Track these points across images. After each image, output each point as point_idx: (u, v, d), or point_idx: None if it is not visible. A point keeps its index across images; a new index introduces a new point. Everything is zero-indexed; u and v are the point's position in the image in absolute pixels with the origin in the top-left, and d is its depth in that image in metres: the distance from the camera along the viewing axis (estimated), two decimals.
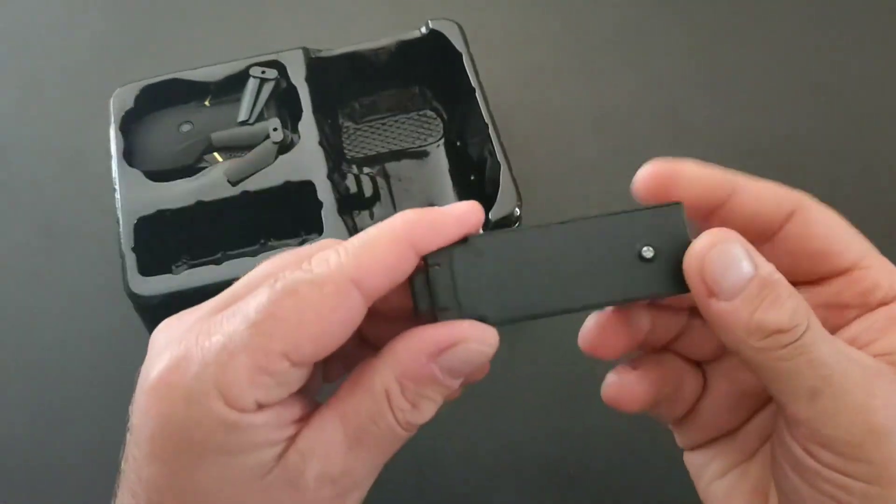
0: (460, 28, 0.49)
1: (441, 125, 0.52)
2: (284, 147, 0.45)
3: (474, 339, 0.24)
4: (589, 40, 0.58)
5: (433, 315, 0.24)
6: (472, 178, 0.49)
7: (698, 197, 0.26)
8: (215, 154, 0.46)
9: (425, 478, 0.42)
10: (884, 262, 0.26)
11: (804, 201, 0.26)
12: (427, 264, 0.24)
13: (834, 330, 0.26)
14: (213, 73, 0.48)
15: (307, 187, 0.44)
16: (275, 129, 0.45)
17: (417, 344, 0.24)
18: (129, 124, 0.46)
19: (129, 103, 0.46)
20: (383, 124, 0.52)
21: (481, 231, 0.25)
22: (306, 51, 0.48)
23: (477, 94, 0.46)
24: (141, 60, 0.57)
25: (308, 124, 0.46)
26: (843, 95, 0.55)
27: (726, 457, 0.28)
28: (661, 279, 0.24)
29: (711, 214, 0.26)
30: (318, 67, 0.48)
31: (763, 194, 0.26)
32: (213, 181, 0.44)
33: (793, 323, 0.23)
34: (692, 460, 0.29)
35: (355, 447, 0.23)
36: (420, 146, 0.52)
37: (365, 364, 0.24)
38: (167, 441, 0.23)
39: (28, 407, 0.45)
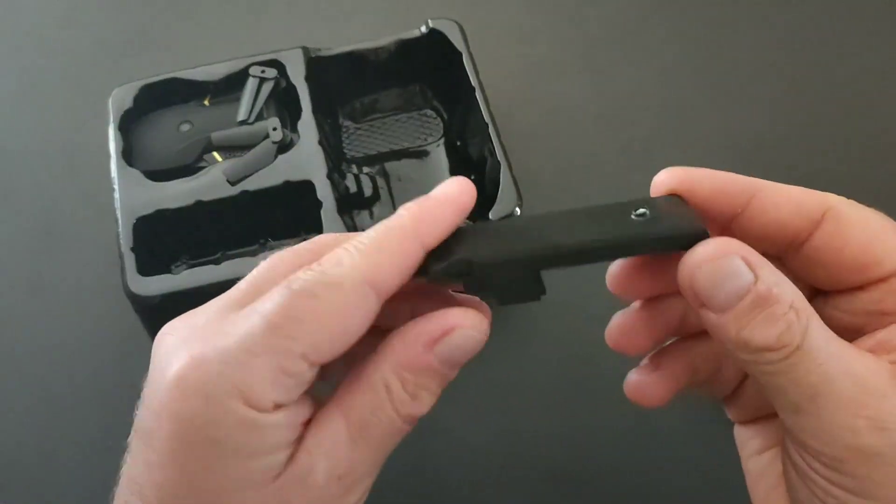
0: (460, 27, 0.49)
1: (441, 125, 0.52)
2: (284, 146, 0.45)
3: (467, 325, 0.24)
4: (589, 39, 0.58)
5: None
6: (473, 177, 0.49)
7: (715, 205, 0.25)
8: (215, 154, 0.46)
9: (425, 478, 0.42)
10: None
11: (834, 204, 0.25)
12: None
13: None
14: (212, 72, 0.47)
15: (307, 187, 0.44)
16: (274, 129, 0.45)
17: (413, 336, 0.24)
18: (128, 124, 0.46)
19: (128, 103, 0.46)
20: (383, 124, 0.52)
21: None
22: (306, 50, 0.48)
23: (477, 94, 0.46)
24: (140, 60, 0.57)
25: (308, 124, 0.46)
26: (845, 93, 0.55)
27: (767, 436, 0.28)
28: (659, 232, 0.24)
29: (730, 224, 0.25)
30: (317, 67, 0.48)
31: (785, 200, 0.25)
32: (212, 181, 0.44)
33: (780, 343, 0.22)
34: (738, 433, 0.29)
35: (358, 442, 0.24)
36: (420, 146, 0.51)
37: (364, 360, 0.24)
38: (186, 442, 0.22)
39: (27, 407, 0.45)
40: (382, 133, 0.52)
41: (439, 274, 0.24)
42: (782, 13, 0.59)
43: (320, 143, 0.45)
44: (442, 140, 0.51)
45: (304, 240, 0.41)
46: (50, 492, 0.42)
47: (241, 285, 0.25)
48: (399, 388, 0.24)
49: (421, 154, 0.51)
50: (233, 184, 0.44)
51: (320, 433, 0.24)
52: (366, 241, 0.24)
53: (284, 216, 0.45)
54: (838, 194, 0.53)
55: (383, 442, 0.24)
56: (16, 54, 0.59)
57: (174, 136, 0.46)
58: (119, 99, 0.46)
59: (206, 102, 0.48)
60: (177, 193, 0.43)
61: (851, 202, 0.25)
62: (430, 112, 0.52)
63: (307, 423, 0.24)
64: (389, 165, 0.51)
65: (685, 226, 0.24)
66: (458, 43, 0.48)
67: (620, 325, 0.28)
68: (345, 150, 0.51)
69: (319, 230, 0.42)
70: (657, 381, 0.28)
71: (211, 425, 0.22)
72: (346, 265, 0.23)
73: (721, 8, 0.59)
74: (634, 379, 0.28)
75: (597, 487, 0.42)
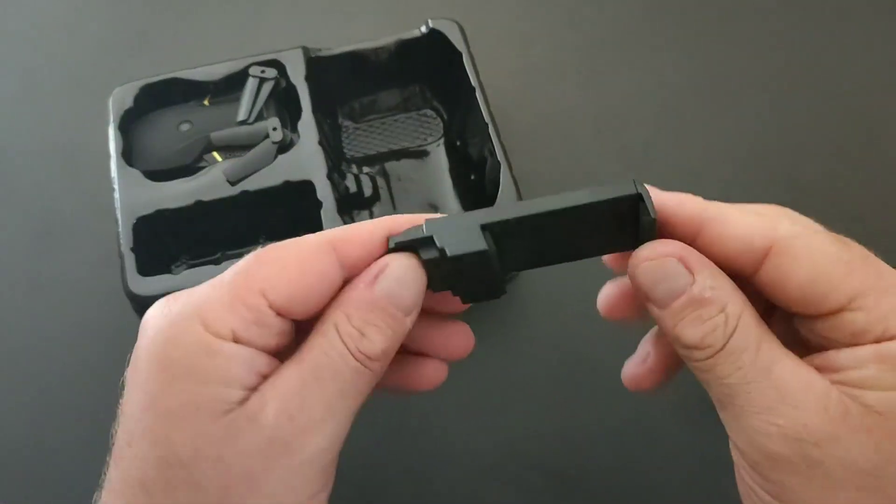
0: (460, 27, 0.49)
1: (441, 125, 0.52)
2: (284, 146, 0.45)
3: (399, 262, 0.26)
4: (588, 41, 0.58)
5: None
6: (472, 177, 0.49)
7: (674, 228, 0.27)
8: (214, 153, 0.46)
9: (425, 478, 0.42)
10: (881, 300, 0.24)
11: (781, 237, 0.25)
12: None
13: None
14: (212, 72, 0.47)
15: (306, 187, 0.44)
16: (274, 129, 0.45)
17: (356, 281, 0.26)
18: (129, 124, 0.46)
19: (129, 103, 0.46)
20: (383, 124, 0.52)
21: None
22: (306, 50, 0.48)
23: (477, 94, 0.46)
24: (140, 59, 0.57)
25: (308, 124, 0.46)
26: (842, 99, 0.55)
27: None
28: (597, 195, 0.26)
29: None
30: (317, 67, 0.48)
31: (731, 234, 0.25)
32: (212, 181, 0.44)
33: (704, 344, 0.24)
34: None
35: (309, 382, 0.25)
36: (420, 146, 0.52)
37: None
38: (151, 366, 0.24)
39: (27, 407, 0.45)
40: (382, 133, 0.52)
41: (397, 244, 0.26)
42: (780, 19, 0.59)
43: (320, 143, 0.45)
44: (442, 140, 0.51)
45: None
46: (48, 490, 0.43)
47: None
48: (346, 324, 0.25)
49: (421, 154, 0.51)
50: (233, 184, 0.44)
51: (276, 380, 0.25)
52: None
53: (284, 216, 0.45)
54: (836, 199, 0.53)
55: (336, 381, 0.25)
56: (16, 54, 0.59)
57: (174, 136, 0.46)
58: (119, 99, 0.46)
59: (206, 102, 0.48)
60: (177, 193, 0.43)
61: (802, 231, 0.25)
62: (429, 112, 0.53)
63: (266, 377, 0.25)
64: (389, 165, 0.51)
65: (622, 189, 0.26)
66: (458, 43, 0.48)
67: (609, 294, 0.30)
68: (344, 150, 0.51)
69: (319, 230, 0.42)
70: (649, 370, 0.30)
71: (170, 344, 0.24)
72: (315, 233, 0.26)
73: (719, 13, 0.59)
74: (629, 372, 0.30)
75: (592, 485, 0.42)
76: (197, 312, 0.24)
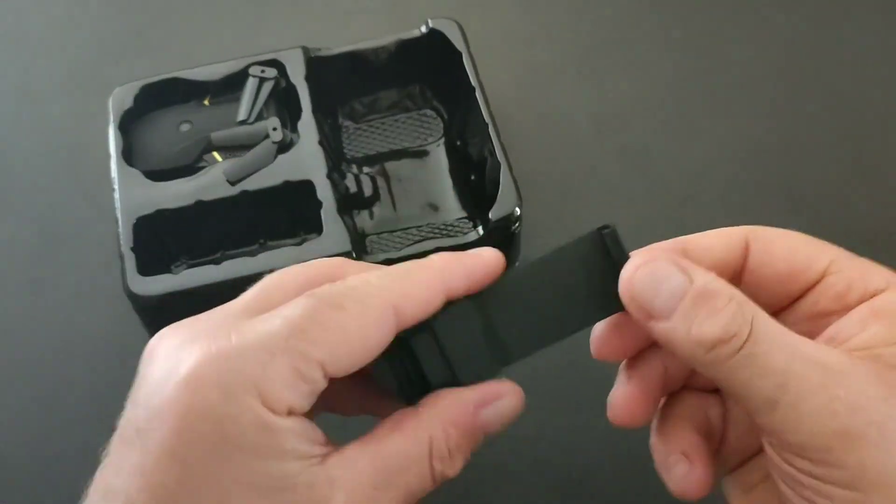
0: (460, 27, 0.49)
1: (441, 125, 0.52)
2: (284, 146, 0.45)
3: (513, 394, 0.26)
4: (589, 40, 0.58)
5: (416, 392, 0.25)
6: (473, 177, 0.49)
7: None
8: (215, 154, 0.46)
9: None
10: (855, 262, 0.26)
11: (754, 231, 0.27)
12: (406, 338, 0.25)
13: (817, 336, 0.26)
14: (212, 72, 0.47)
15: (307, 187, 0.44)
16: (274, 129, 0.45)
17: (467, 397, 0.25)
18: (129, 124, 0.46)
19: (129, 103, 0.46)
20: (383, 124, 0.52)
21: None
22: (306, 50, 0.48)
23: (477, 94, 0.46)
24: (140, 59, 0.57)
25: (308, 124, 0.46)
26: (843, 96, 0.55)
27: (754, 471, 0.28)
28: (606, 302, 0.25)
29: None
30: (317, 67, 0.48)
31: (709, 243, 0.27)
32: (212, 181, 0.44)
33: (729, 333, 0.23)
34: (726, 483, 0.29)
35: (382, 488, 0.23)
36: (420, 146, 0.52)
37: (407, 411, 0.25)
38: (193, 438, 0.22)
39: (27, 407, 0.45)
40: (382, 133, 0.52)
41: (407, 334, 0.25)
42: (780, 18, 0.58)
43: (320, 143, 0.45)
44: (442, 140, 0.51)
45: (304, 240, 0.42)
46: (48, 492, 0.42)
47: (246, 295, 0.25)
48: (442, 443, 0.24)
49: (421, 154, 0.51)
50: (233, 184, 0.44)
51: (346, 465, 0.23)
52: (395, 271, 0.25)
53: (284, 216, 0.45)
54: (836, 199, 0.53)
55: (406, 495, 0.24)
56: (17, 55, 0.59)
57: (174, 136, 0.46)
58: (119, 99, 0.46)
59: (207, 102, 0.48)
60: (177, 193, 0.43)
61: (768, 228, 0.27)
62: (429, 112, 0.53)
63: (331, 450, 0.23)
64: (389, 165, 0.51)
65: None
66: (458, 42, 0.48)
67: (601, 332, 0.28)
68: (345, 151, 0.51)
69: (319, 230, 0.42)
70: (638, 398, 0.28)
71: (227, 420, 0.21)
72: (374, 285, 0.24)
73: (720, 13, 0.59)
74: (619, 405, 0.29)
75: (597, 487, 0.42)
76: (255, 384, 0.22)
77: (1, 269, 0.49)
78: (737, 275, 0.27)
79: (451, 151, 0.51)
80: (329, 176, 0.44)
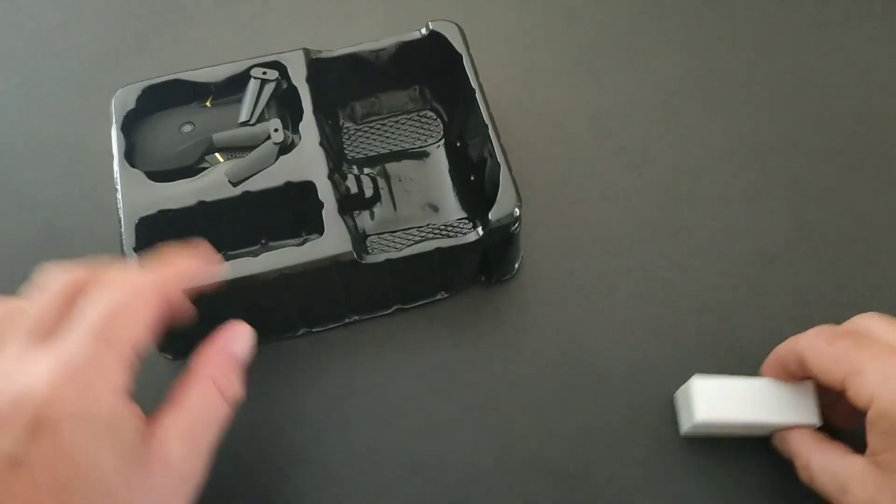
0: (460, 29, 0.49)
1: (441, 126, 0.52)
2: (285, 148, 0.45)
3: (242, 326, 0.37)
4: (588, 40, 0.58)
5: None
6: (472, 178, 0.49)
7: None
8: (217, 155, 0.46)
9: (424, 478, 0.43)
10: (857, 378, 0.34)
11: (802, 348, 0.38)
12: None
13: None
14: (214, 73, 0.48)
15: (308, 188, 0.44)
16: (276, 130, 0.45)
17: (218, 342, 0.36)
18: (131, 125, 0.47)
19: (131, 104, 0.47)
20: (383, 125, 0.53)
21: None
22: (307, 51, 0.48)
23: (477, 95, 0.46)
24: (141, 61, 0.58)
25: (309, 125, 0.46)
26: (845, 95, 0.55)
27: None
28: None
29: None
30: (318, 68, 0.48)
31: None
32: (214, 181, 0.44)
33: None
34: None
35: (202, 423, 0.33)
36: (420, 147, 0.52)
37: (186, 372, 0.34)
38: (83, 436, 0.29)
39: None
40: (383, 134, 0.53)
41: None
42: (781, 18, 0.59)
43: (321, 144, 0.45)
44: (442, 141, 0.52)
45: (305, 240, 0.44)
46: None
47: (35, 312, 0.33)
48: (221, 378, 0.34)
49: (421, 155, 0.52)
50: (235, 184, 0.44)
51: (170, 426, 0.32)
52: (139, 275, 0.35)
53: (286, 217, 0.45)
54: (837, 199, 0.54)
55: (214, 421, 0.34)
56: (18, 55, 0.59)
57: (176, 137, 0.46)
58: (122, 100, 0.47)
59: (209, 104, 0.48)
60: (179, 194, 0.44)
61: (810, 341, 0.38)
62: (429, 113, 0.53)
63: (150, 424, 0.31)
64: (390, 166, 0.51)
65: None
66: (458, 45, 0.48)
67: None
68: (346, 152, 0.52)
69: (320, 231, 0.42)
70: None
71: (93, 415, 0.29)
72: (141, 280, 0.34)
73: (719, 13, 0.59)
74: None
75: (597, 487, 0.42)
76: (106, 383, 0.29)
77: (3, 268, 0.50)
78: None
79: (451, 152, 0.51)
80: (330, 177, 0.44)
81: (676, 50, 0.58)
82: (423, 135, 0.52)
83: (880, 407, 0.33)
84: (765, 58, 0.57)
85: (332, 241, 0.42)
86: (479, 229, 0.43)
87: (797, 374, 0.38)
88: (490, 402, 0.45)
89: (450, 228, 0.49)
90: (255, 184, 0.44)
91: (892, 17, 0.59)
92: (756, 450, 0.42)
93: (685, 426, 0.42)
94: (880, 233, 0.49)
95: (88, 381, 0.28)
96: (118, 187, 0.44)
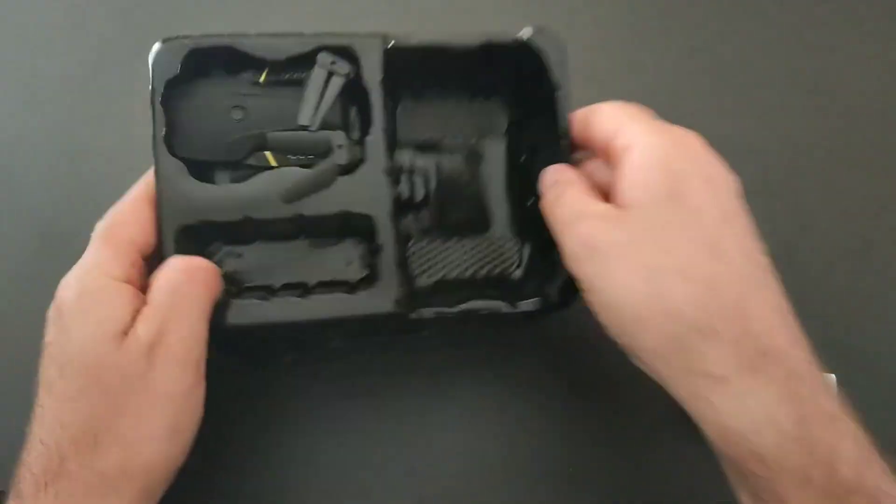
0: (557, 40, 0.42)
1: (504, 122, 0.47)
2: (348, 167, 0.40)
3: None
4: (589, 40, 0.53)
5: None
6: (530, 204, 0.46)
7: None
8: (267, 154, 0.41)
9: (424, 479, 0.45)
10: (629, 126, 0.37)
11: (597, 106, 0.40)
12: None
13: None
14: (275, 47, 0.40)
15: (366, 223, 0.40)
16: (340, 146, 0.40)
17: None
18: (170, 96, 0.40)
19: (174, 68, 0.39)
20: (444, 104, 0.47)
21: None
22: (385, 39, 0.41)
23: (559, 108, 0.42)
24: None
25: (377, 144, 0.41)
26: (846, 96, 0.54)
27: None
28: None
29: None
30: (395, 58, 0.42)
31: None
32: (264, 195, 0.39)
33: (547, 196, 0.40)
34: None
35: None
36: (478, 141, 0.47)
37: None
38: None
39: (29, 409, 0.43)
40: (440, 118, 0.47)
41: None
42: (782, 19, 0.56)
43: (387, 171, 0.40)
44: (503, 146, 0.47)
45: (355, 289, 0.40)
46: None
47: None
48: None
49: (477, 156, 0.47)
50: (287, 203, 0.40)
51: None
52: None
53: (337, 251, 0.42)
54: (836, 199, 0.57)
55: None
56: (18, 56, 0.52)
57: (225, 124, 0.40)
58: (162, 60, 0.39)
59: (262, 80, 0.41)
60: (224, 203, 0.39)
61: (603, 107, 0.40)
62: (495, 107, 0.47)
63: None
64: (442, 159, 0.46)
65: None
66: (559, 69, 0.42)
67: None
68: (398, 134, 0.46)
69: (374, 276, 0.40)
70: None
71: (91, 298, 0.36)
72: (136, 195, 0.39)
73: (720, 14, 0.56)
74: None
75: (596, 487, 0.44)
76: (100, 270, 0.35)
77: (3, 271, 0.48)
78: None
79: (512, 163, 0.47)
80: (393, 215, 0.40)
81: (678, 49, 0.54)
82: (484, 129, 0.47)
83: (644, 142, 0.36)
84: (767, 57, 0.55)
85: (385, 296, 0.39)
86: (538, 301, 0.41)
87: (585, 136, 0.40)
88: (490, 402, 0.46)
89: (495, 255, 0.46)
90: (309, 206, 0.40)
91: (893, 18, 0.57)
92: None
93: None
94: (881, 233, 0.51)
95: (86, 269, 0.35)
96: (155, 180, 0.39)
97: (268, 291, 0.40)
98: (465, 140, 0.47)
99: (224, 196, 0.39)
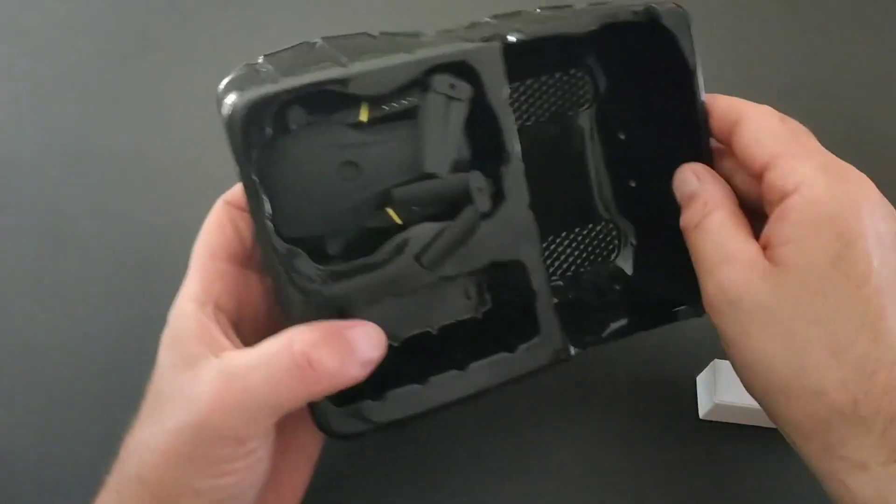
0: (684, 14, 0.37)
1: (591, 95, 0.41)
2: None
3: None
4: None
5: None
6: (634, 184, 0.42)
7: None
8: (389, 210, 0.33)
9: (425, 479, 0.43)
10: (790, 160, 0.32)
11: (744, 110, 0.34)
12: None
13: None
14: (376, 78, 0.31)
15: (516, 270, 0.34)
16: (479, 190, 0.33)
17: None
18: (262, 166, 0.30)
19: (266, 128, 0.30)
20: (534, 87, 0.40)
21: None
22: (504, 42, 0.33)
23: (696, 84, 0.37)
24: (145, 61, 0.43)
25: (516, 174, 0.34)
26: (846, 96, 0.55)
27: None
28: None
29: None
30: (513, 56, 0.33)
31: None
32: (403, 270, 0.32)
33: (685, 222, 0.34)
34: None
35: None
36: (562, 113, 0.41)
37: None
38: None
39: (32, 414, 0.43)
40: (530, 99, 0.41)
41: None
42: (782, 19, 0.57)
43: (532, 206, 0.34)
44: (592, 120, 0.42)
45: (514, 346, 0.35)
46: (50, 493, 0.41)
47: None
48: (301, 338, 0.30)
49: (560, 134, 0.41)
50: (428, 269, 0.33)
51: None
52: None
53: (488, 312, 0.36)
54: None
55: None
56: (19, 55, 0.53)
57: (335, 185, 0.32)
58: (246, 120, 0.29)
59: (363, 118, 0.32)
60: (363, 293, 0.32)
61: (756, 110, 0.35)
62: (579, 74, 0.41)
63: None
64: (532, 150, 0.40)
65: None
66: (688, 50, 0.36)
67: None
68: None
69: (532, 330, 0.35)
70: None
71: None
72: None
73: (720, 14, 0.57)
74: None
75: (597, 486, 0.44)
76: (185, 291, 0.32)
77: (6, 273, 0.46)
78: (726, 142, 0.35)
79: (606, 138, 0.42)
80: (543, 254, 0.35)
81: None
82: (569, 103, 0.41)
83: (809, 194, 0.31)
84: (767, 58, 0.55)
85: (548, 346, 0.35)
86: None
87: (714, 132, 0.36)
88: (490, 401, 0.44)
89: (596, 243, 0.42)
90: (452, 266, 0.33)
91: (893, 18, 0.57)
92: (771, 438, 0.42)
93: (705, 408, 0.42)
94: None
95: (180, 292, 0.32)
96: (270, 275, 0.31)
97: (419, 372, 0.34)
98: (551, 119, 0.41)
99: (362, 285, 0.32)
